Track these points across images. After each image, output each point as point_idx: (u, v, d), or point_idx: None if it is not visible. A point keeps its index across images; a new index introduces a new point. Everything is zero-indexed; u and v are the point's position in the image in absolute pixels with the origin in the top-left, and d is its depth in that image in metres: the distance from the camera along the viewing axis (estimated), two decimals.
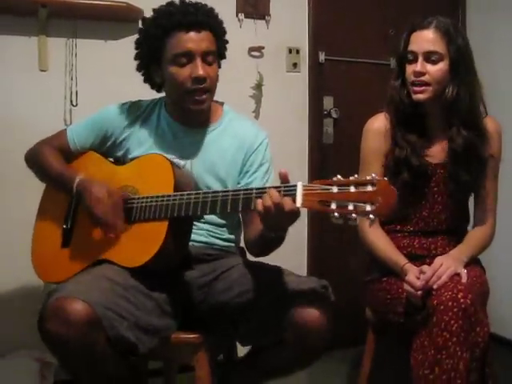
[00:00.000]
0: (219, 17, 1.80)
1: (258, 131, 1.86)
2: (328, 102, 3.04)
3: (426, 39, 1.83)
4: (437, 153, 1.93)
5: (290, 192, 1.40)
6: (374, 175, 1.31)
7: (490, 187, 1.96)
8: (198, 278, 1.75)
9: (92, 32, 2.55)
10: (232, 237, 1.87)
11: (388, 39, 3.10)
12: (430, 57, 1.83)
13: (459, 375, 1.64)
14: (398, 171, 1.88)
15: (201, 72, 1.69)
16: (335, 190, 1.32)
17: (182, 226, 1.65)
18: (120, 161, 1.83)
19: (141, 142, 1.81)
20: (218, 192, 1.56)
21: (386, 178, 1.31)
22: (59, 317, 1.41)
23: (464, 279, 1.73)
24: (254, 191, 1.48)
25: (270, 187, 1.44)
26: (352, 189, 1.31)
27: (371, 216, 1.30)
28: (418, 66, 1.83)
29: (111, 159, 1.86)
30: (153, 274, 1.63)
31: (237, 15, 2.82)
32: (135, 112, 1.84)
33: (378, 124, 1.96)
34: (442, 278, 1.74)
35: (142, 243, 1.64)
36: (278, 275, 1.69)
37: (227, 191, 1.54)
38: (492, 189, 1.97)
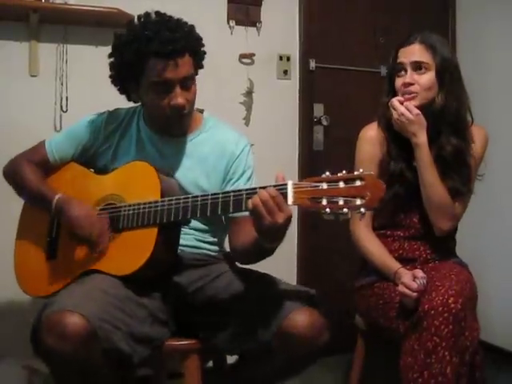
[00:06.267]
0: (197, 33, 1.72)
1: (240, 138, 1.84)
2: (318, 109, 3.05)
3: (412, 51, 1.91)
4: None
5: (281, 191, 1.40)
6: (361, 170, 1.35)
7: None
8: (187, 284, 1.74)
9: (83, 38, 2.55)
10: (216, 240, 1.86)
11: (378, 47, 3.13)
12: (417, 67, 1.89)
13: (446, 380, 1.65)
14: (391, 183, 1.89)
15: (180, 101, 1.67)
16: (325, 186, 1.35)
17: (171, 232, 1.64)
18: (102, 171, 1.81)
19: (122, 153, 1.79)
20: (207, 195, 1.54)
21: (372, 172, 1.34)
22: (55, 331, 1.39)
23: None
24: (244, 192, 1.47)
25: (260, 187, 1.42)
26: (341, 184, 1.34)
27: (362, 210, 1.32)
28: (407, 77, 1.90)
29: (92, 170, 1.84)
30: (143, 282, 1.62)
31: (228, 22, 2.84)
32: (114, 122, 1.82)
33: (373, 132, 2.01)
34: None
35: (131, 251, 1.63)
36: (266, 282, 1.69)
37: (217, 194, 1.52)
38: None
